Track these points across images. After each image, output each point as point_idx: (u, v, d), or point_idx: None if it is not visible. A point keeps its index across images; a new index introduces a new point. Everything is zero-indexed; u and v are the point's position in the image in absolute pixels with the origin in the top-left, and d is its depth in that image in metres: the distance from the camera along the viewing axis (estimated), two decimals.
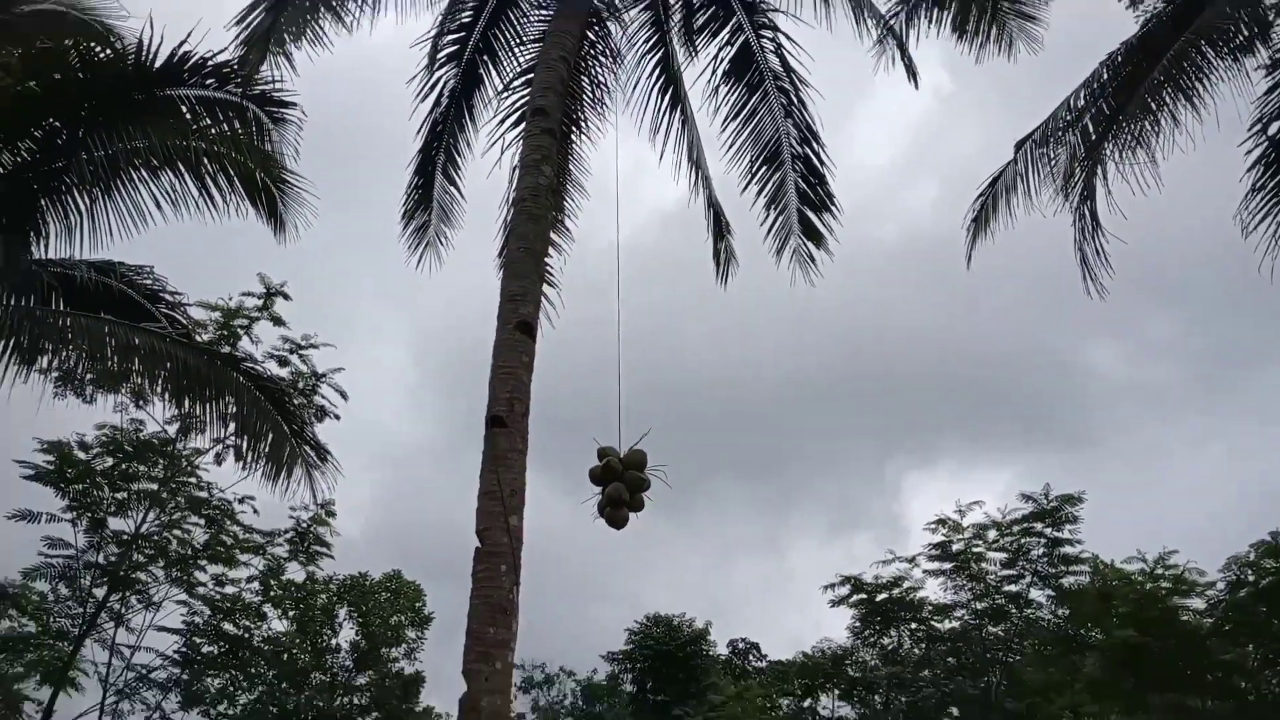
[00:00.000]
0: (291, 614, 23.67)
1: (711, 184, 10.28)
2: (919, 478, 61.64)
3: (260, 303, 18.43)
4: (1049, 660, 27.10)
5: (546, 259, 9.14)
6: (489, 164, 9.92)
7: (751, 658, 32.49)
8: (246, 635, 21.57)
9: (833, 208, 9.63)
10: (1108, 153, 10.05)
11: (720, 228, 10.42)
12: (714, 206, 10.34)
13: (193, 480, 18.82)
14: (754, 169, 9.73)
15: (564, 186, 10.12)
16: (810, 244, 9.78)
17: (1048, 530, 22.14)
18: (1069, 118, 10.03)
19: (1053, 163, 10.35)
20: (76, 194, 9.35)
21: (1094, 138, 9.89)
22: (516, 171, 8.70)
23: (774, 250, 9.96)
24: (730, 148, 9.76)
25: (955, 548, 22.80)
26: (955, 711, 29.58)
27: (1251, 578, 20.66)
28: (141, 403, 17.00)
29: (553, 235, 9.77)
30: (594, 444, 8.43)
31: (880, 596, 23.99)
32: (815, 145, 9.53)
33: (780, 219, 9.76)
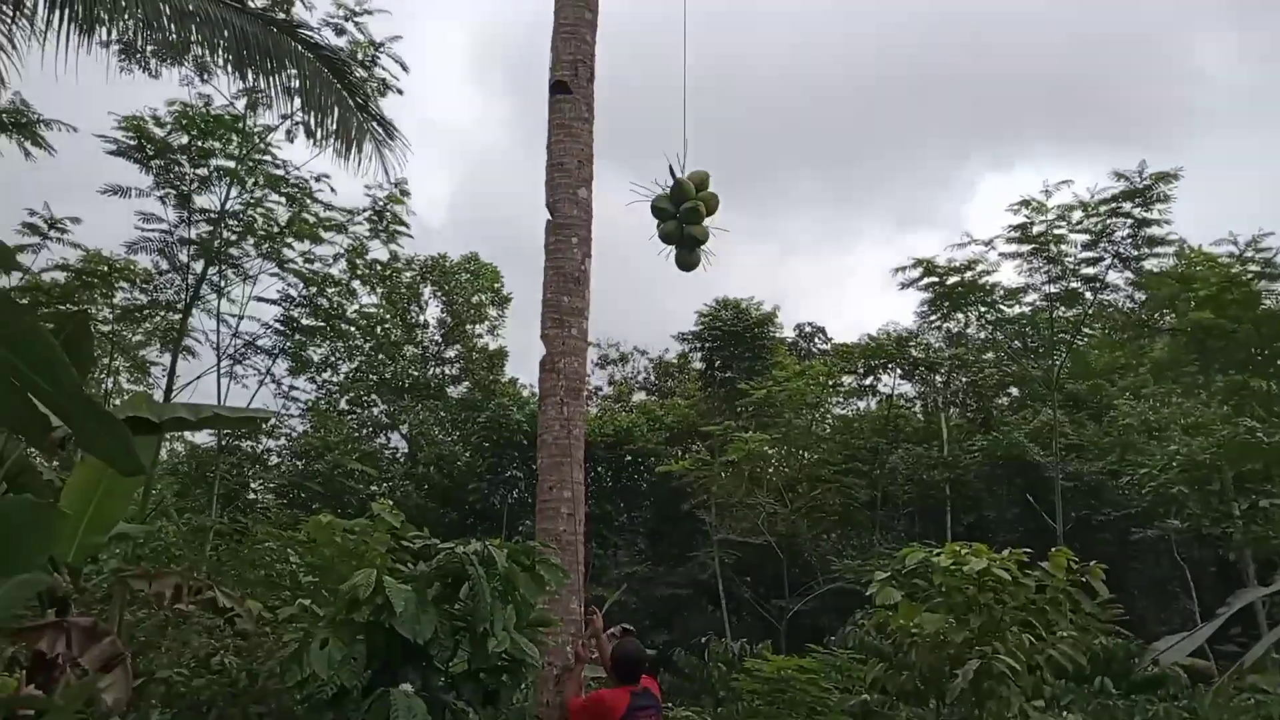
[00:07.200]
0: (380, 290, 24.97)
1: None
2: (995, 180, 58.70)
3: None
4: (1117, 344, 27.22)
5: None
6: None
7: (817, 340, 33.29)
8: (339, 309, 22.93)
9: None
10: None
11: None
12: None
13: (268, 158, 19.06)
14: None
15: None
16: None
17: (1136, 210, 21.04)
18: None
19: None
20: None
21: None
22: None
23: None
24: None
25: (1036, 230, 21.92)
26: (1014, 391, 30.45)
27: None
28: (205, 76, 16.84)
29: None
30: (658, 132, 8.36)
31: (951, 280, 23.56)
32: None
33: None
